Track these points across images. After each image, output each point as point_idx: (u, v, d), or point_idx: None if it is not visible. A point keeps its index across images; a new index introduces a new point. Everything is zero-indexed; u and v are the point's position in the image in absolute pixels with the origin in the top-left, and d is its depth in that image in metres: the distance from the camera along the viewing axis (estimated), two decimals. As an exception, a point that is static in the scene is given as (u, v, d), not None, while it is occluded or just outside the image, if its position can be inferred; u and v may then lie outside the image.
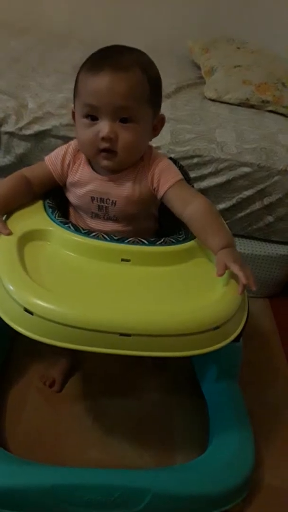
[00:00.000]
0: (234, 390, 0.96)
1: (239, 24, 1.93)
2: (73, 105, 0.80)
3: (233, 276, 0.71)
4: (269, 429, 0.97)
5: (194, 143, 1.22)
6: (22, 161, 1.21)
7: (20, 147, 1.20)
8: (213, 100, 1.51)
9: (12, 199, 0.79)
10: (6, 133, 1.18)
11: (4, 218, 0.78)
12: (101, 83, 0.70)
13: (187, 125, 1.28)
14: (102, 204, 0.80)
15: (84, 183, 0.80)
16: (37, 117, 1.19)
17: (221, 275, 0.69)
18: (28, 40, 1.76)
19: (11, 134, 1.18)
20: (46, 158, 0.83)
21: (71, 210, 0.86)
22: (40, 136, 1.19)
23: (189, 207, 0.76)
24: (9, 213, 0.79)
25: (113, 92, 0.70)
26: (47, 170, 0.82)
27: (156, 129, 0.80)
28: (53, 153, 0.83)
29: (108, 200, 0.79)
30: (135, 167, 0.79)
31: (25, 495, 0.72)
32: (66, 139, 1.18)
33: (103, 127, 0.72)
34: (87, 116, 0.74)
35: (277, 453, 0.93)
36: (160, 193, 0.79)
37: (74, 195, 0.83)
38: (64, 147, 0.83)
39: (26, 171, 0.83)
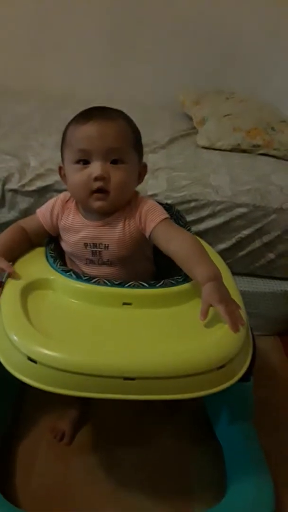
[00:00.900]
0: (248, 431, 0.94)
1: (227, 76, 2.05)
2: (61, 162, 0.85)
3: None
4: (286, 471, 0.93)
5: (190, 188, 1.27)
6: (26, 215, 1.23)
7: (24, 203, 1.25)
8: (206, 148, 1.57)
9: (13, 249, 0.84)
10: (10, 190, 1.24)
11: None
12: (92, 129, 0.76)
13: (182, 172, 1.33)
14: (95, 249, 0.83)
15: (76, 230, 0.84)
16: (39, 174, 1.26)
17: (203, 319, 0.70)
18: (31, 104, 1.88)
19: (15, 191, 1.24)
20: (37, 210, 0.89)
21: (67, 259, 0.89)
22: (43, 191, 1.25)
23: (174, 242, 0.79)
24: (13, 264, 0.82)
25: (103, 135, 0.76)
26: (38, 222, 0.87)
27: (140, 176, 0.85)
28: (43, 206, 0.89)
29: (100, 245, 0.82)
30: (124, 210, 0.83)
31: None
32: (67, 193, 1.24)
33: (96, 168, 0.77)
34: (78, 161, 0.78)
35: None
36: (148, 232, 0.82)
37: (67, 244, 0.86)
38: (53, 199, 0.88)
39: (22, 223, 0.89)
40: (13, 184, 1.24)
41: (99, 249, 0.83)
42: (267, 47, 2.04)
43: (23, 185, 1.24)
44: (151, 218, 0.81)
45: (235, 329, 0.69)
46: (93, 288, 0.75)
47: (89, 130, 0.77)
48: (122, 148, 0.78)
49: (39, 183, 1.25)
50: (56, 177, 1.25)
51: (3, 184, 1.24)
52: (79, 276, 0.77)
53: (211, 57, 2.09)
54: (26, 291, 0.75)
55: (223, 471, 0.89)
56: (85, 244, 0.83)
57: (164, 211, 0.84)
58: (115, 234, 0.82)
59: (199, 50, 2.08)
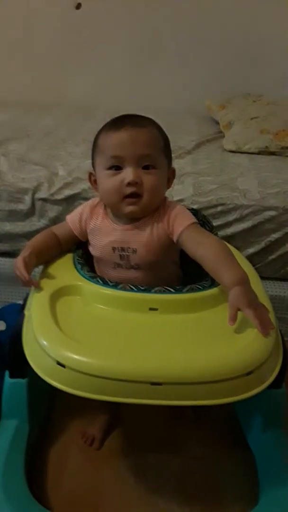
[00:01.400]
0: (281, 440, 0.91)
1: (253, 80, 2.03)
2: (90, 169, 0.88)
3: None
4: None
5: (216, 193, 1.26)
6: (55, 223, 1.27)
7: (53, 211, 1.28)
8: (233, 152, 1.56)
9: (44, 252, 0.87)
10: (40, 199, 1.27)
11: (39, 274, 0.84)
12: (124, 136, 0.78)
13: (208, 177, 1.33)
14: (123, 253, 0.83)
15: (104, 234, 0.85)
16: (67, 182, 1.28)
17: (232, 324, 0.69)
18: (58, 116, 1.93)
19: (44, 200, 1.27)
20: (67, 217, 0.91)
21: (95, 264, 0.91)
22: (71, 199, 1.27)
23: (201, 246, 0.79)
24: (42, 271, 0.85)
25: (136, 142, 0.78)
26: (68, 228, 0.90)
27: (169, 181, 0.86)
28: (73, 213, 0.91)
29: (129, 249, 0.83)
30: (152, 215, 0.84)
31: None
32: (94, 200, 1.26)
33: (128, 173, 0.78)
34: (111, 167, 0.80)
35: None
36: (175, 236, 0.82)
37: (95, 248, 0.87)
38: (82, 205, 0.91)
39: (54, 229, 0.92)
40: (42, 193, 1.27)
41: (127, 253, 0.83)
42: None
43: (52, 194, 1.27)
44: (179, 222, 0.82)
45: (265, 333, 0.68)
46: (119, 294, 0.76)
47: (121, 137, 0.78)
48: (153, 154, 0.80)
49: (67, 192, 1.27)
50: (83, 186, 1.27)
51: (33, 193, 1.27)
52: (105, 282, 0.78)
53: (237, 60, 2.08)
54: (55, 297, 0.76)
55: (255, 479, 0.87)
56: (113, 248, 0.84)
57: (192, 216, 0.84)
58: (143, 238, 0.82)
59: (225, 54, 2.08)
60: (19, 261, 0.80)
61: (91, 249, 0.89)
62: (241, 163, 1.46)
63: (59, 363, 0.65)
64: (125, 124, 0.79)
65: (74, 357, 0.64)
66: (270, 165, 1.45)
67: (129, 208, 0.81)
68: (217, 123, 1.81)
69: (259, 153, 1.54)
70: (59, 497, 0.86)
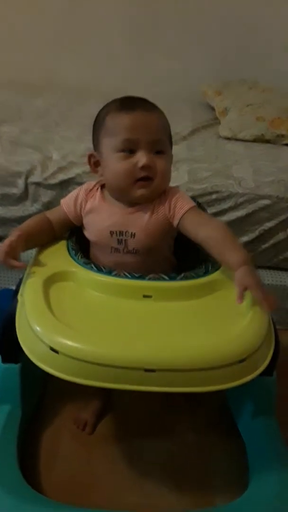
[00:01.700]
0: (272, 427, 0.93)
1: (249, 67, 2.01)
2: (93, 151, 0.85)
3: (257, 307, 0.72)
4: (311, 468, 0.92)
5: (211, 180, 1.25)
6: (48, 208, 1.24)
7: (46, 196, 1.26)
8: (228, 139, 1.55)
9: (35, 236, 0.85)
10: (33, 183, 1.25)
11: (31, 259, 0.83)
12: (138, 119, 0.78)
13: (203, 164, 1.32)
14: (121, 237, 0.83)
15: (101, 218, 0.84)
16: (61, 167, 1.27)
17: (241, 302, 0.70)
18: (51, 98, 1.89)
19: (37, 184, 1.25)
20: (62, 201, 0.90)
21: (91, 249, 0.90)
22: (65, 184, 1.26)
23: (205, 227, 0.80)
24: (35, 256, 0.84)
25: (149, 126, 0.78)
26: (63, 212, 0.88)
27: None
28: (67, 196, 0.90)
29: (127, 233, 0.82)
30: (152, 199, 0.83)
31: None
32: (88, 186, 1.25)
33: (142, 157, 0.78)
34: (123, 150, 0.79)
35: None
36: (177, 219, 0.82)
37: (92, 232, 0.86)
38: (76, 189, 0.89)
39: (47, 213, 0.90)
40: (35, 177, 1.25)
41: (125, 238, 0.83)
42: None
43: (46, 178, 1.25)
44: (180, 205, 0.82)
45: (271, 309, 0.70)
46: (113, 281, 0.76)
47: (135, 120, 0.78)
48: (163, 138, 0.81)
49: (61, 176, 1.26)
50: (77, 170, 1.26)
51: (26, 177, 1.25)
52: (99, 269, 0.78)
53: (234, 47, 2.06)
54: (48, 283, 0.76)
55: (245, 465, 0.88)
56: (111, 232, 0.83)
57: (192, 199, 0.85)
58: (143, 222, 0.82)
59: (221, 40, 2.06)
60: (4, 245, 0.79)
61: (86, 233, 0.88)
62: (236, 151, 1.45)
63: (52, 349, 0.65)
64: (137, 107, 0.79)
65: (67, 343, 0.64)
66: (265, 153, 1.45)
67: (140, 191, 0.80)
68: (213, 109, 1.79)
69: (254, 140, 1.54)
70: (52, 481, 0.87)
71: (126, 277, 0.76)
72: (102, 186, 0.88)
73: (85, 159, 1.24)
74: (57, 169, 1.27)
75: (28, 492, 0.79)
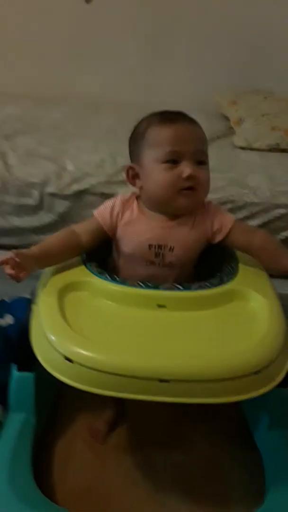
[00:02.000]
0: (288, 439, 0.91)
1: (264, 76, 2.01)
2: (132, 164, 0.85)
3: (273, 317, 0.72)
4: None
5: (226, 190, 1.25)
6: (63, 218, 1.29)
7: (61, 206, 1.28)
8: (243, 148, 1.55)
9: (55, 256, 0.83)
10: (48, 194, 1.27)
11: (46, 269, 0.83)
12: (182, 130, 0.79)
13: (218, 174, 1.31)
14: (159, 251, 0.83)
15: (140, 231, 0.84)
16: (75, 177, 1.28)
17: None
18: (67, 109, 1.92)
19: (53, 194, 1.27)
20: (95, 212, 0.88)
21: (120, 260, 0.89)
22: (80, 195, 1.27)
23: (256, 238, 0.85)
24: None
25: (193, 137, 0.80)
26: (96, 222, 0.86)
27: None
28: (101, 207, 0.88)
29: (165, 247, 0.83)
30: (192, 213, 0.84)
31: None
32: (103, 196, 1.26)
33: (186, 167, 0.79)
34: (168, 161, 0.79)
35: None
36: (224, 233, 0.85)
37: (128, 244, 0.85)
38: (111, 200, 0.88)
39: (75, 226, 0.87)
40: (51, 188, 1.27)
41: (164, 252, 0.83)
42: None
43: (61, 189, 1.27)
44: (225, 219, 0.85)
45: None
46: (128, 290, 0.76)
47: (179, 131, 0.79)
48: (205, 149, 0.83)
49: (76, 187, 1.27)
50: (92, 181, 1.27)
51: (42, 188, 1.27)
52: (114, 279, 0.78)
53: (248, 57, 2.06)
54: (63, 293, 0.76)
55: (262, 477, 0.87)
56: (150, 246, 0.83)
57: (227, 212, 0.90)
58: (182, 236, 0.83)
59: (235, 51, 2.06)
60: (8, 258, 0.74)
61: (121, 245, 0.87)
62: (251, 160, 1.45)
63: (67, 358, 0.65)
64: (179, 119, 0.81)
65: (82, 352, 0.64)
66: (281, 162, 1.44)
67: (184, 201, 0.81)
68: (227, 119, 1.79)
69: (269, 150, 1.53)
70: (65, 491, 0.87)
71: (141, 286, 0.76)
72: (137, 198, 0.87)
73: (100, 170, 1.30)
74: (71, 180, 1.28)
75: (42, 501, 0.78)
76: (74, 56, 2.17)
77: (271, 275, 0.88)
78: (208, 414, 1.04)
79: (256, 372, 0.65)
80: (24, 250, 0.78)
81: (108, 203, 0.87)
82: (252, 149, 1.54)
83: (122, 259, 0.88)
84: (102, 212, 0.87)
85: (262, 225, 1.23)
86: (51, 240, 0.85)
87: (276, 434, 0.91)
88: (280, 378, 0.69)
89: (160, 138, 0.80)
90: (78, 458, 0.94)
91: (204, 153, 0.82)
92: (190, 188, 0.80)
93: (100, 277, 0.79)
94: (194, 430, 1.01)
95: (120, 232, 0.86)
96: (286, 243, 1.23)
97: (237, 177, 1.30)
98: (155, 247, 0.83)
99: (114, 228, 0.86)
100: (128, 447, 0.97)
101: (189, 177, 0.78)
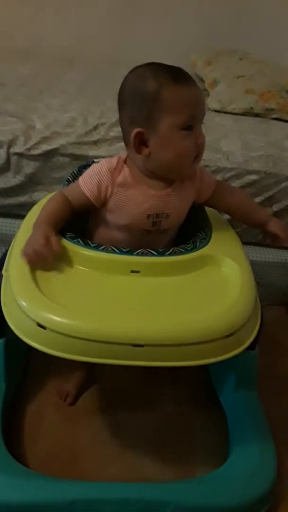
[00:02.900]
0: (252, 398, 0.95)
1: (241, 37, 1.96)
2: (140, 128, 0.74)
3: (244, 283, 0.73)
4: (289, 438, 0.95)
5: (200, 154, 1.23)
6: (31, 180, 1.23)
7: (29, 167, 1.22)
8: (217, 111, 1.52)
9: (60, 218, 0.79)
10: (15, 154, 1.21)
11: (17, 233, 0.81)
12: (196, 93, 0.75)
13: (192, 137, 1.29)
14: (157, 219, 0.80)
15: (137, 203, 0.79)
16: (44, 137, 1.22)
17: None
18: (35, 64, 1.82)
19: (20, 154, 1.21)
20: (81, 183, 0.80)
21: (109, 232, 0.83)
22: (49, 155, 1.22)
23: (233, 196, 0.88)
24: (21, 230, 0.81)
25: (203, 101, 0.78)
26: (84, 195, 0.79)
27: None
28: (86, 178, 0.80)
29: (163, 214, 0.80)
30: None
31: (45, 510, 0.72)
32: (73, 157, 1.21)
33: (200, 134, 0.76)
34: (187, 128, 0.73)
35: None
36: (208, 193, 0.86)
37: (123, 216, 0.80)
38: (96, 170, 0.79)
39: (66, 192, 0.81)
40: (18, 148, 1.20)
41: (161, 219, 0.80)
42: (283, 5, 1.94)
43: (29, 149, 1.21)
44: (209, 180, 0.86)
45: None
46: (101, 256, 0.74)
47: (194, 95, 0.74)
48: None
49: (44, 147, 1.21)
50: (62, 141, 1.21)
51: (8, 148, 1.20)
52: (86, 243, 0.76)
53: (226, 15, 2.00)
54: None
55: (226, 436, 0.91)
56: (148, 216, 0.79)
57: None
58: (177, 202, 0.81)
59: (214, 8, 1.98)
60: (41, 240, 0.71)
61: (113, 217, 0.81)
62: (225, 124, 1.42)
63: (39, 325, 0.64)
64: (190, 80, 0.74)
65: (55, 318, 0.63)
66: (254, 127, 1.43)
67: (193, 169, 0.80)
68: (202, 80, 1.75)
69: (243, 113, 1.51)
70: (36, 454, 0.88)
71: (114, 252, 0.75)
72: (125, 161, 0.80)
73: (70, 129, 1.24)
74: (40, 139, 1.22)
75: (13, 465, 0.79)
76: (44, 8, 2.03)
77: (244, 242, 0.89)
78: (176, 375, 1.07)
79: (228, 336, 0.67)
80: (49, 233, 0.73)
81: (94, 176, 0.79)
82: (226, 112, 1.52)
83: (109, 229, 0.83)
84: (89, 187, 0.79)
85: (234, 191, 1.23)
86: (52, 206, 0.80)
87: (241, 395, 0.95)
88: (250, 341, 0.71)
89: (179, 102, 0.72)
90: (48, 422, 0.95)
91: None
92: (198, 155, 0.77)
93: (72, 242, 0.77)
94: (162, 391, 1.04)
95: (112, 205, 0.80)
96: (257, 209, 1.25)
97: (211, 141, 1.28)
98: (153, 216, 0.80)
99: (103, 201, 0.80)
100: (97, 409, 0.99)
101: (202, 143, 0.76)
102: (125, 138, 0.78)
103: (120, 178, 0.78)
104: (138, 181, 0.79)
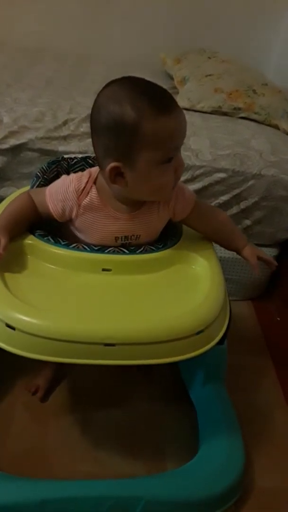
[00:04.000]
0: (222, 393, 0.97)
1: (209, 36, 1.97)
2: (116, 162, 0.68)
3: (214, 280, 0.75)
4: (258, 431, 0.98)
5: (169, 152, 1.24)
6: (0, 176, 1.21)
7: (-4, 162, 1.19)
8: (186, 109, 1.52)
9: (19, 221, 0.76)
10: (-18, 148, 1.18)
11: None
12: (178, 122, 0.67)
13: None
14: (126, 241, 0.78)
15: (104, 224, 0.76)
16: (12, 131, 1.19)
17: (258, 272, 0.85)
18: (1, 58, 1.77)
19: (-14, 149, 1.18)
20: (47, 195, 0.76)
21: (74, 238, 0.80)
22: (17, 150, 1.19)
23: (213, 219, 0.85)
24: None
25: (185, 125, 0.69)
26: (49, 211, 0.76)
27: None
28: (53, 192, 0.75)
29: (132, 236, 0.78)
30: None
31: (16, 511, 0.71)
32: (42, 152, 1.19)
33: (180, 161, 0.71)
34: (167, 161, 0.68)
35: (267, 454, 0.94)
36: (184, 213, 0.81)
37: (91, 236, 0.78)
38: (63, 188, 0.75)
39: (33, 196, 0.78)
40: (-16, 142, 1.17)
41: (130, 241, 0.79)
42: (251, 6, 1.97)
43: (-4, 143, 1.18)
44: (188, 200, 0.80)
45: (275, 266, 0.88)
46: (72, 254, 0.74)
47: (177, 124, 0.67)
48: None
49: (12, 141, 1.19)
50: (30, 135, 1.19)
51: (-26, 142, 1.17)
52: (57, 241, 0.75)
53: (195, 14, 2.00)
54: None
55: (196, 431, 0.92)
56: (116, 238, 0.77)
57: (189, 188, 0.84)
58: (149, 223, 0.78)
59: (183, 6, 1.98)
60: None
61: (81, 235, 0.79)
62: (194, 122, 1.43)
63: (8, 325, 0.63)
64: (173, 106, 0.66)
65: (24, 319, 0.62)
66: (222, 125, 1.45)
67: (172, 193, 0.76)
68: (172, 78, 1.75)
69: (211, 112, 1.52)
70: (6, 455, 0.87)
71: (85, 250, 0.75)
72: (94, 182, 0.75)
73: (39, 124, 1.22)
74: (8, 133, 1.19)
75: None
76: (11, 0, 1.97)
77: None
78: (146, 372, 1.08)
79: (198, 333, 0.68)
80: (1, 235, 0.70)
81: (60, 193, 0.75)
82: (195, 110, 1.53)
83: (81, 240, 0.80)
84: (54, 202, 0.75)
85: (203, 189, 1.25)
86: (15, 209, 0.76)
87: (209, 389, 0.97)
88: (219, 337, 0.73)
89: (161, 135, 0.65)
90: (18, 421, 0.93)
91: None
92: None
93: (41, 240, 0.76)
94: (132, 388, 1.04)
95: (78, 224, 0.77)
96: (225, 206, 1.27)
97: (180, 139, 1.29)
98: (122, 238, 0.78)
99: (67, 219, 0.77)
100: (67, 407, 0.98)
101: (182, 169, 0.72)
102: (100, 164, 0.73)
103: (86, 200, 0.75)
104: (105, 203, 0.75)
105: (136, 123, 0.64)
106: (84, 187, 0.74)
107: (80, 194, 0.74)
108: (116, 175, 0.69)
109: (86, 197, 0.75)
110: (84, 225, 0.77)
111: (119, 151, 0.67)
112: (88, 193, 0.75)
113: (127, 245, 0.79)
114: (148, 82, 0.68)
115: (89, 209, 0.75)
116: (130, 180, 0.69)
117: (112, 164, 0.68)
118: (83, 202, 0.75)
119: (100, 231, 0.77)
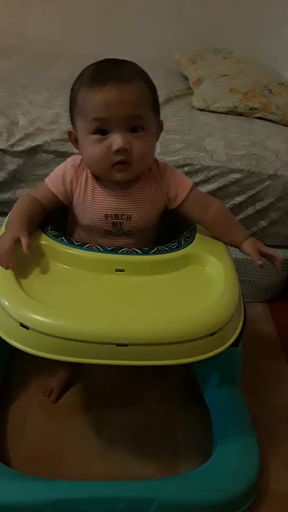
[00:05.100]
0: (236, 395, 0.96)
1: (225, 36, 1.96)
2: (70, 126, 0.79)
3: (228, 281, 0.73)
4: (273, 433, 0.97)
5: (184, 152, 1.23)
6: (15, 177, 1.22)
7: (12, 164, 1.21)
8: (202, 110, 1.52)
9: (33, 218, 0.78)
10: (-2, 150, 1.19)
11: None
12: (109, 95, 0.69)
13: (176, 135, 1.29)
14: (116, 220, 0.79)
15: (96, 201, 0.79)
16: (28, 133, 1.21)
17: (261, 265, 0.80)
18: (17, 60, 1.79)
19: (3, 151, 1.19)
20: (46, 180, 0.82)
21: (79, 231, 0.85)
22: (32, 151, 1.20)
23: (210, 211, 0.82)
24: (3, 227, 0.80)
25: (123, 102, 0.69)
26: (50, 192, 0.80)
27: (157, 134, 0.80)
28: (51, 174, 0.82)
29: (123, 216, 0.79)
30: (147, 178, 0.80)
31: (28, 511, 0.71)
32: (57, 154, 1.20)
33: (116, 139, 0.71)
34: (95, 131, 0.72)
35: (282, 458, 0.92)
36: (178, 202, 0.81)
37: (84, 215, 0.81)
38: (61, 166, 0.81)
39: (34, 193, 0.82)
40: (1, 144, 1.19)
41: (121, 220, 0.79)
42: (268, 5, 1.95)
43: (12, 145, 1.19)
44: (182, 188, 0.81)
45: (279, 266, 0.83)
46: (85, 254, 0.74)
47: (106, 97, 0.69)
48: (142, 113, 0.72)
49: (28, 143, 1.20)
50: (45, 137, 1.20)
51: (-10, 144, 1.19)
52: (71, 242, 0.76)
53: (211, 13, 1.99)
54: (17, 256, 0.73)
55: (210, 434, 0.91)
56: (106, 216, 0.79)
57: (187, 178, 0.83)
58: (139, 204, 0.79)
59: (198, 7, 1.98)
60: (6, 244, 0.70)
61: (77, 215, 0.82)
62: (209, 122, 1.43)
63: (22, 325, 0.63)
64: (109, 80, 0.69)
65: (38, 318, 0.63)
66: (238, 126, 1.43)
67: (118, 176, 0.74)
68: (187, 78, 1.75)
69: (227, 113, 1.52)
70: (19, 453, 0.87)
71: (99, 250, 0.75)
72: None
73: (54, 126, 1.23)
74: (24, 135, 1.21)
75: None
76: (27, 3, 2.00)
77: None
78: (159, 373, 1.07)
79: (211, 334, 0.67)
80: (21, 234, 0.71)
81: (59, 171, 0.81)
82: (210, 111, 1.52)
83: (79, 228, 0.84)
84: (54, 181, 0.80)
85: (218, 190, 1.24)
86: (23, 206, 0.79)
87: (224, 391, 0.96)
88: (233, 339, 0.72)
89: (86, 105, 0.71)
90: (32, 421, 0.94)
91: (141, 118, 0.72)
92: (123, 162, 0.72)
93: (55, 240, 0.76)
94: (146, 390, 1.04)
95: (74, 201, 0.81)
96: (240, 207, 1.26)
97: (195, 140, 1.29)
98: (111, 217, 0.79)
99: (69, 196, 0.81)
100: (81, 407, 0.98)
101: (119, 151, 0.71)
102: None
103: (83, 175, 0.79)
104: (97, 179, 0.79)
105: (75, 92, 0.74)
106: (80, 163, 0.80)
107: (77, 168, 0.80)
108: (74, 141, 0.78)
109: (82, 172, 0.80)
110: (78, 201, 0.80)
111: (70, 117, 0.78)
112: (84, 169, 0.80)
113: (119, 227, 0.80)
114: (115, 60, 0.75)
115: (84, 183, 0.79)
116: (80, 146, 0.77)
117: (68, 128, 0.79)
118: (80, 178, 0.79)
119: (91, 208, 0.79)
